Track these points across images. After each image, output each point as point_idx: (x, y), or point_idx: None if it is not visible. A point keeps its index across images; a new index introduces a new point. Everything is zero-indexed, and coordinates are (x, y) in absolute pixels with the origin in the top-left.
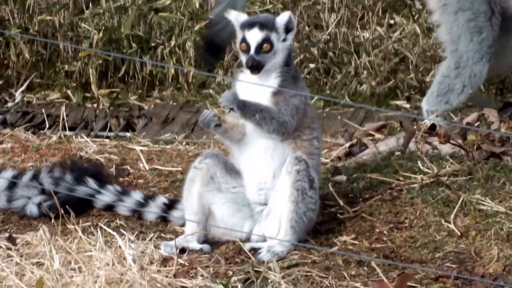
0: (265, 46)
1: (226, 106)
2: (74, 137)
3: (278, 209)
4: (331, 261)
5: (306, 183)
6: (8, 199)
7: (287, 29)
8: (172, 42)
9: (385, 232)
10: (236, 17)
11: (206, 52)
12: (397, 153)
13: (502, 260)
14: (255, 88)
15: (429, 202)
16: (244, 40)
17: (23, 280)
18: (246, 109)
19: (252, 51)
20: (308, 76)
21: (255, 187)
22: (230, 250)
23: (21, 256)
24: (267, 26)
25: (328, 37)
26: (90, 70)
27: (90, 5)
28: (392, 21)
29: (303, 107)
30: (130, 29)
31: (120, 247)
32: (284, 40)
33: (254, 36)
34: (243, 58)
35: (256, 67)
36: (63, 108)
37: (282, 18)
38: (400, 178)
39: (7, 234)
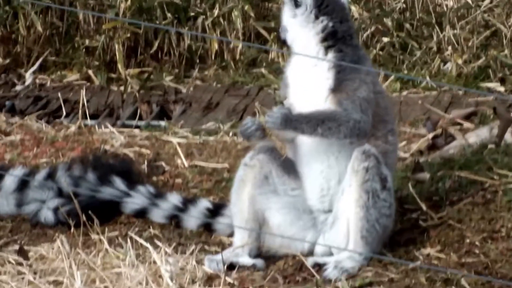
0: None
1: (276, 128)
2: (96, 127)
3: (345, 217)
4: (412, 279)
5: (377, 183)
6: (18, 203)
7: (296, 2)
8: (216, 11)
9: (477, 243)
10: None
11: None
12: (490, 146)
13: None
14: (308, 85)
15: None
16: None
17: None
18: (304, 126)
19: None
20: (380, 53)
21: (316, 194)
22: (289, 266)
23: (35, 273)
24: None
25: (404, 5)
26: (116, 46)
27: None
28: None
29: (373, 96)
30: None
31: (154, 262)
32: (295, 15)
33: None
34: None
35: (282, 42)
36: (83, 92)
37: None
38: (495, 177)
39: (17, 247)
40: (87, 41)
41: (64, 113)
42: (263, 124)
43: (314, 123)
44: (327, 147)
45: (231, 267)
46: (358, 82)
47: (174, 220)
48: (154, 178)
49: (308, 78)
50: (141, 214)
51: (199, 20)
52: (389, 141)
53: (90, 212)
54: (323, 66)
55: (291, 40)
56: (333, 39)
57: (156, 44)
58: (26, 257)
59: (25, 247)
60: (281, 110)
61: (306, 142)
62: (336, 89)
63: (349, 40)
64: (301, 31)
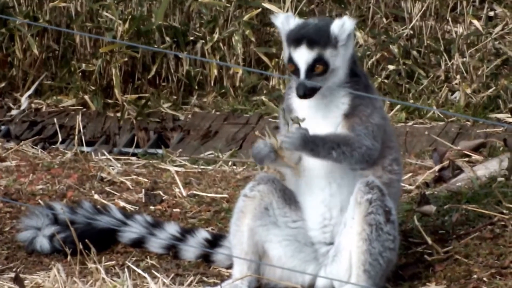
0: (317, 68)
1: (293, 149)
2: (93, 153)
3: (348, 250)
4: None
5: (381, 216)
6: None
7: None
8: (216, 36)
9: (485, 279)
10: (283, 22)
11: None
12: (499, 179)
13: None
14: (321, 110)
15: None
16: (291, 59)
17: None
18: (320, 149)
19: (302, 76)
20: (386, 81)
21: (318, 224)
22: None
23: None
24: (319, 41)
25: (412, 32)
26: (113, 70)
27: None
28: (492, 13)
29: (383, 123)
30: (163, 19)
31: None
32: (346, 47)
33: (303, 56)
34: (292, 80)
35: (309, 95)
36: (79, 117)
37: (338, 25)
38: (504, 211)
39: (12, 274)
40: (83, 65)
41: (60, 139)
42: (275, 146)
43: (330, 146)
44: (329, 173)
45: None
46: (371, 107)
47: (172, 250)
48: (152, 208)
49: (321, 103)
50: (138, 243)
51: (198, 44)
52: (393, 170)
53: (86, 240)
54: (340, 91)
55: (333, 78)
56: (353, 64)
57: (154, 69)
58: (22, 285)
59: (21, 275)
60: (300, 131)
61: (307, 169)
62: (350, 114)
63: (359, 64)
64: (348, 63)
